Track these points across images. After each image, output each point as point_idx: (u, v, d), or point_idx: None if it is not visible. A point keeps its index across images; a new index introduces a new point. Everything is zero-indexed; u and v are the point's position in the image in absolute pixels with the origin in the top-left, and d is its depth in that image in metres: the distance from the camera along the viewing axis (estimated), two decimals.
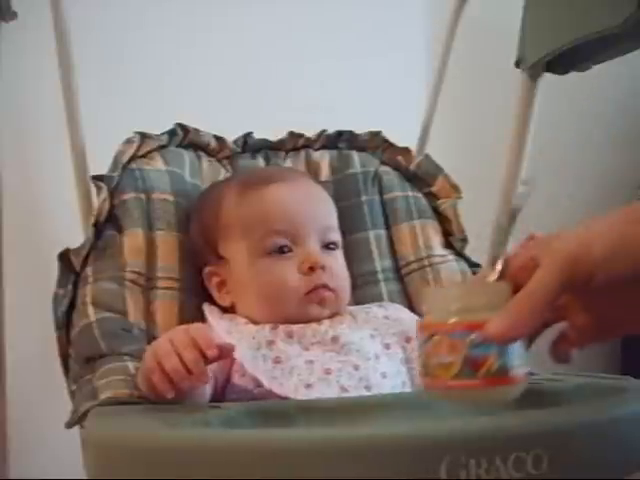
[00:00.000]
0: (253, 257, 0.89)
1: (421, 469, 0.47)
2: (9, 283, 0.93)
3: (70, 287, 0.89)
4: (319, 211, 0.94)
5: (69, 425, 0.72)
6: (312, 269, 0.87)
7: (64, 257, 0.90)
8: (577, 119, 1.58)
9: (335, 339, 0.86)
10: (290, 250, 0.89)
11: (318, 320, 0.88)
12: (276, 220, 0.89)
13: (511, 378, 0.54)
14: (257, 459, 0.47)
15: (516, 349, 0.55)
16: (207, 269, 0.92)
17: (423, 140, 1.21)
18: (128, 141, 0.98)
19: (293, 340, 0.85)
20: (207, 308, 0.92)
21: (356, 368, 0.82)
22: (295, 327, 0.86)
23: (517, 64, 1.06)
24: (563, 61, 1.02)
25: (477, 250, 1.05)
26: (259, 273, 0.89)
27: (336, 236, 0.94)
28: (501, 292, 0.56)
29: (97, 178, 0.94)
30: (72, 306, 0.89)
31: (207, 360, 0.68)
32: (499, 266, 0.59)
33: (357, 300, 1.00)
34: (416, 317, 0.90)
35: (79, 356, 0.85)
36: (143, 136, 0.99)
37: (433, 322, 0.57)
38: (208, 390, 0.77)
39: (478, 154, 1.41)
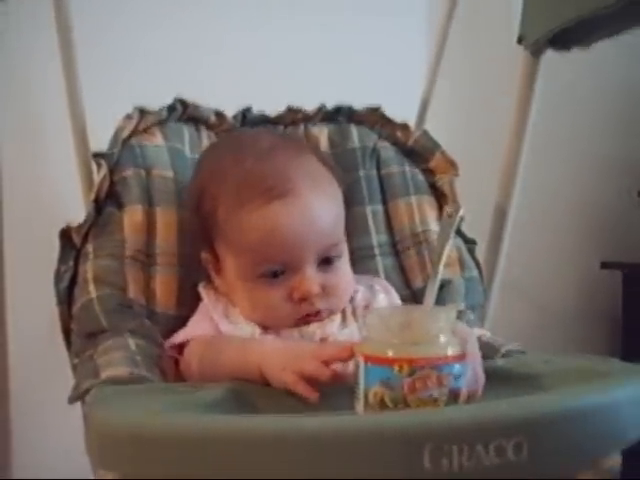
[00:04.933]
0: (243, 277, 0.85)
1: (404, 457, 0.49)
2: (11, 262, 0.95)
3: (71, 263, 0.91)
4: (321, 232, 0.84)
5: (71, 401, 0.74)
6: (305, 298, 0.84)
7: (65, 234, 0.91)
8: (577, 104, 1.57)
9: (323, 340, 0.85)
10: (283, 273, 0.84)
11: None
12: (270, 249, 0.83)
13: None
14: (247, 448, 0.50)
15: None
16: (203, 254, 0.92)
17: (422, 116, 1.21)
18: (127, 117, 0.98)
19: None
20: (203, 290, 0.92)
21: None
22: (284, 332, 0.86)
23: (519, 41, 1.05)
24: (565, 38, 1.01)
25: (474, 227, 1.06)
26: (249, 293, 0.86)
27: (338, 250, 0.88)
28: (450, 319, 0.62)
29: (97, 155, 0.95)
30: (73, 282, 0.91)
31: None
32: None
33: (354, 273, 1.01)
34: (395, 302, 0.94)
35: (81, 331, 0.87)
36: (142, 112, 1.00)
37: (415, 356, 0.57)
38: None
39: (478, 132, 1.41)
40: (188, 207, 0.94)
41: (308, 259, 0.84)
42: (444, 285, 1.00)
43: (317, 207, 0.84)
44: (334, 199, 0.89)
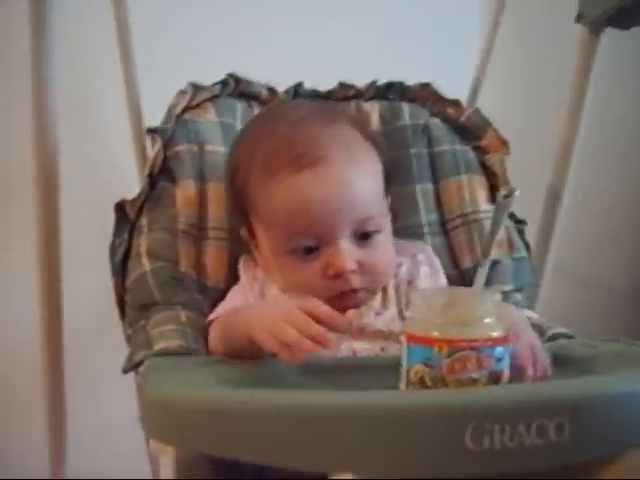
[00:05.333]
0: (275, 252, 0.84)
1: (447, 436, 0.50)
2: (67, 238, 0.98)
3: (126, 236, 0.93)
4: (355, 203, 0.81)
5: (125, 371, 0.76)
6: (339, 275, 0.80)
7: (120, 208, 0.93)
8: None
9: (360, 330, 0.83)
10: (317, 248, 0.81)
11: None
12: (301, 221, 0.80)
13: None
14: (299, 422, 0.51)
15: None
16: (242, 230, 0.92)
17: (474, 93, 1.20)
18: (181, 92, 1.00)
19: None
20: (242, 267, 0.92)
21: (383, 350, 0.82)
22: None
23: (578, 19, 1.03)
24: (625, 16, 0.99)
25: (524, 208, 1.05)
26: (282, 269, 0.83)
27: (376, 224, 0.83)
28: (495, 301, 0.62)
29: (151, 130, 0.96)
30: (127, 255, 0.93)
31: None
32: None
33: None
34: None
35: (134, 303, 0.90)
36: (196, 87, 1.01)
37: (456, 337, 0.58)
38: None
39: (532, 110, 1.39)
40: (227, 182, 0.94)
41: (342, 232, 0.80)
42: (492, 265, 0.99)
43: (351, 177, 0.81)
44: (371, 171, 0.85)
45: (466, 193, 1.04)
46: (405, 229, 1.03)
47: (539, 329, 0.86)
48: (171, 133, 0.97)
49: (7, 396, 1.29)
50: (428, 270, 0.91)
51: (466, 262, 1.02)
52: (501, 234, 1.02)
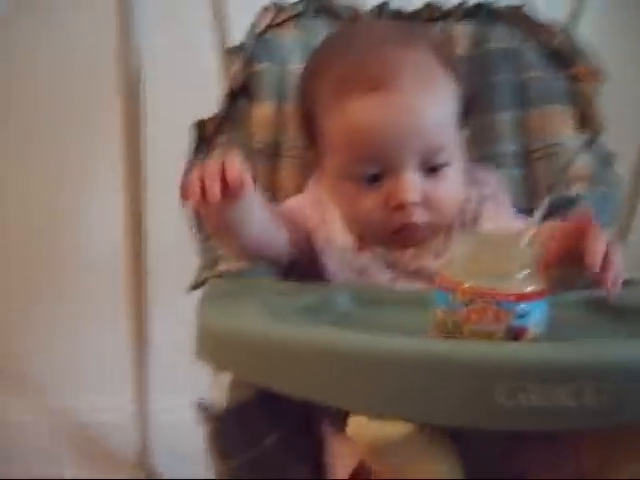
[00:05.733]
0: (339, 178, 0.81)
1: (478, 389, 0.50)
2: (149, 156, 1.01)
3: (202, 155, 0.95)
4: (423, 131, 0.77)
5: (190, 288, 0.79)
6: (401, 206, 0.77)
7: (198, 126, 0.95)
8: None
9: (418, 271, 0.81)
10: (381, 177, 0.78)
11: None
12: (365, 146, 0.77)
13: None
14: (332, 363, 0.53)
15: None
16: (310, 152, 0.90)
17: (574, 19, 1.12)
18: (264, 10, 0.99)
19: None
20: (310, 187, 0.90)
21: None
22: (377, 253, 0.83)
23: None
24: None
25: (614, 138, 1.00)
26: (344, 197, 0.81)
27: (446, 156, 0.80)
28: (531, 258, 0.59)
29: (232, 49, 0.97)
30: None
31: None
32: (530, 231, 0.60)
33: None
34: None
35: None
36: (278, 6, 1.00)
37: (477, 288, 0.56)
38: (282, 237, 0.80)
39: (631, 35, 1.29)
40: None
41: (408, 162, 0.77)
42: (572, 202, 0.96)
43: (422, 104, 0.77)
44: (445, 100, 0.81)
45: (552, 124, 1.00)
46: (483, 159, 1.00)
47: None
48: (252, 51, 0.97)
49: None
50: (492, 206, 0.86)
51: (544, 196, 0.98)
52: (585, 167, 0.98)
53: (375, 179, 0.78)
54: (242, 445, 0.65)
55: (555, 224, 0.67)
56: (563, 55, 1.02)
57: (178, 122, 0.95)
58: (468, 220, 0.84)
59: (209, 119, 0.95)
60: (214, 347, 0.59)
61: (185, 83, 1.24)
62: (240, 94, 0.97)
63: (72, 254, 1.40)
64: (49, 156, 1.37)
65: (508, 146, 1.01)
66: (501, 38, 1.03)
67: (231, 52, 0.97)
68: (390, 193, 0.77)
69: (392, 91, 0.76)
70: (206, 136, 0.95)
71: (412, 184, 0.77)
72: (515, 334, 0.56)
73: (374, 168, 0.77)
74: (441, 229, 0.82)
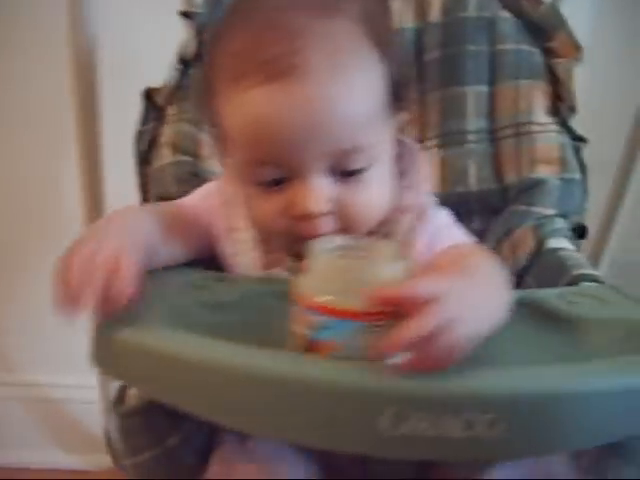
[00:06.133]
0: (242, 180, 0.69)
1: (362, 416, 0.48)
2: (105, 125, 0.98)
3: (152, 125, 0.92)
4: (333, 129, 0.62)
5: None
6: (304, 217, 0.64)
7: (147, 95, 0.92)
8: None
9: None
10: (284, 180, 0.65)
11: None
12: (263, 147, 0.63)
13: None
14: (218, 377, 0.51)
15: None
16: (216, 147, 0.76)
17: None
18: None
19: None
20: (219, 184, 0.77)
21: None
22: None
23: None
24: None
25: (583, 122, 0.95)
26: (247, 200, 0.70)
27: (366, 157, 0.65)
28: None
29: (184, 14, 0.92)
30: (153, 143, 0.93)
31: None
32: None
33: (442, 161, 0.96)
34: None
35: (153, 195, 0.90)
36: None
37: (302, 293, 0.54)
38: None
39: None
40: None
41: (314, 165, 0.63)
42: (537, 185, 0.92)
43: (332, 95, 0.61)
44: (367, 87, 0.64)
45: (523, 100, 0.95)
46: (446, 135, 0.96)
47: (561, 266, 0.80)
48: (205, 17, 0.92)
49: None
50: (413, 202, 0.72)
51: (510, 177, 0.94)
52: (554, 151, 0.93)
53: (277, 182, 0.65)
54: (146, 443, 0.64)
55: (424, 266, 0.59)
56: (542, 27, 0.95)
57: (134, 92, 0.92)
58: (402, 232, 0.71)
59: (160, 88, 0.92)
60: (105, 353, 0.57)
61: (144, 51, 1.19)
62: (194, 62, 0.93)
63: (38, 232, 1.38)
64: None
65: (476, 122, 0.96)
66: (477, 5, 0.97)
67: (184, 17, 0.92)
68: (293, 200, 0.64)
69: (295, 78, 0.60)
70: (157, 105, 0.92)
71: (317, 192, 0.64)
72: (309, 346, 0.54)
73: (276, 171, 0.64)
74: (367, 228, 0.70)
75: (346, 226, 0.66)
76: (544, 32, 0.95)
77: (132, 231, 0.62)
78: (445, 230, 0.71)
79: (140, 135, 0.92)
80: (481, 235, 0.94)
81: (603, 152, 1.08)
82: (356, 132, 0.63)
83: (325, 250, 0.57)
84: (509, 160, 0.94)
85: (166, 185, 0.89)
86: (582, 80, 0.96)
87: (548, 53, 0.95)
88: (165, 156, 0.90)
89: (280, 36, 0.62)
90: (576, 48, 0.94)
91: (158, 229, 0.67)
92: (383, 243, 0.60)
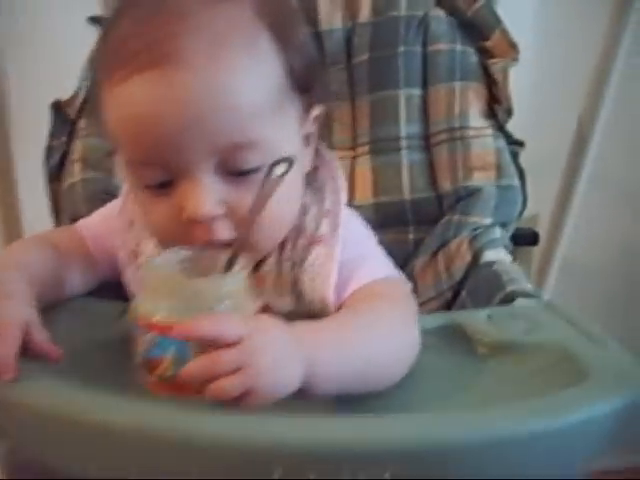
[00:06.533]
0: (132, 185, 0.62)
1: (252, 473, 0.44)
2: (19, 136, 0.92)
3: (64, 139, 0.86)
4: (215, 122, 0.54)
5: None
6: (194, 221, 0.56)
7: (57, 107, 0.86)
8: None
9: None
10: (175, 181, 0.57)
11: None
12: (139, 146, 0.56)
13: (183, 387, 0.47)
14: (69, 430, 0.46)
15: None
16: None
17: None
18: None
19: None
20: (122, 202, 0.70)
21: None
22: None
23: None
24: None
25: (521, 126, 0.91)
26: (140, 205, 0.63)
27: (260, 155, 0.56)
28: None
29: (94, 18, 0.86)
30: (64, 159, 0.87)
31: None
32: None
33: (373, 168, 0.91)
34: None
35: (65, 215, 0.85)
36: None
37: (137, 312, 0.51)
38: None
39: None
40: None
41: (200, 163, 0.55)
42: (473, 193, 0.88)
43: (213, 82, 0.54)
44: (256, 76, 0.56)
45: (456, 103, 0.90)
46: (379, 141, 0.92)
47: (496, 281, 0.76)
48: None
49: None
50: (328, 229, 0.64)
51: (445, 185, 0.90)
52: (490, 156, 0.89)
53: (165, 184, 0.57)
54: None
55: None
56: (477, 26, 0.91)
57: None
58: (300, 246, 0.64)
59: (68, 100, 0.86)
60: None
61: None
62: None
63: None
64: None
65: (409, 127, 0.91)
66: (409, 3, 0.92)
67: (93, 23, 0.86)
68: (181, 204, 0.57)
69: (173, 66, 0.53)
70: (67, 118, 0.86)
71: (204, 193, 0.56)
72: (148, 365, 0.50)
73: (160, 173, 0.57)
74: (263, 249, 0.62)
75: (246, 232, 0.56)
76: (479, 31, 0.91)
77: (18, 279, 0.57)
78: (357, 262, 0.63)
79: (50, 151, 0.86)
80: (417, 246, 0.90)
81: (549, 152, 1.06)
82: (246, 125, 0.55)
83: (160, 265, 0.54)
84: (444, 167, 0.90)
85: (76, 204, 0.83)
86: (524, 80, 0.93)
87: (483, 53, 0.91)
88: (76, 173, 0.84)
89: (160, 21, 0.55)
90: (512, 47, 0.89)
91: (50, 266, 0.63)
92: (224, 255, 0.55)
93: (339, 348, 0.51)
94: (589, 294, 1.33)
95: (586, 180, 1.07)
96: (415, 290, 0.87)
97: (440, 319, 0.67)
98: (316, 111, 0.65)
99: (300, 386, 0.48)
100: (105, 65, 0.57)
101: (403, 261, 0.90)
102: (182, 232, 0.57)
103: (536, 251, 1.26)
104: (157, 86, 0.53)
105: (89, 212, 0.78)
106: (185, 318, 0.48)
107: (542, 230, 1.23)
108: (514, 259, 1.31)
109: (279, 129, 0.58)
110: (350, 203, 0.90)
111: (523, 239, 1.04)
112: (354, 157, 0.93)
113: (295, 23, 0.63)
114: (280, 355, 0.47)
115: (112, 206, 0.72)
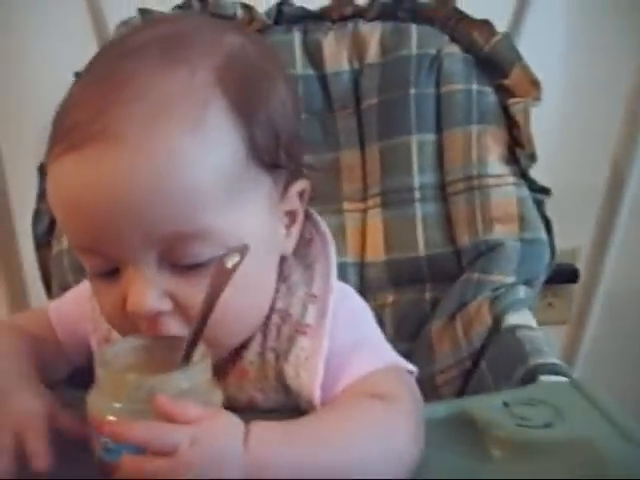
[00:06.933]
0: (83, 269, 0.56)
1: None
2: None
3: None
4: (153, 207, 0.47)
5: None
6: (136, 316, 0.50)
7: (43, 169, 0.81)
8: None
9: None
10: (119, 269, 0.51)
11: None
12: (79, 230, 0.51)
13: None
14: None
15: None
16: None
17: (517, 19, 0.92)
18: (123, 23, 0.83)
19: None
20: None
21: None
22: None
23: None
24: None
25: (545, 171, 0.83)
26: (92, 292, 0.57)
27: (211, 247, 0.49)
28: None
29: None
30: (54, 224, 0.82)
31: None
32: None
33: (385, 222, 0.84)
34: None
35: (55, 282, 0.80)
36: (144, 12, 0.84)
37: (92, 411, 0.47)
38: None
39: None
40: None
41: (140, 254, 0.49)
42: (493, 248, 0.80)
43: (145, 166, 0.47)
44: (200, 157, 0.48)
45: (474, 149, 0.83)
46: (391, 193, 0.84)
47: (518, 351, 0.68)
48: None
49: None
50: (314, 320, 0.56)
51: (464, 239, 0.82)
52: (511, 207, 0.81)
53: (111, 272, 0.52)
54: None
55: None
56: (495, 62, 0.83)
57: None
58: (284, 334, 0.56)
59: None
60: None
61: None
62: None
63: None
64: None
65: (423, 177, 0.84)
66: (420, 41, 0.85)
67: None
68: (124, 296, 0.51)
69: (104, 145, 0.47)
70: None
71: (144, 288, 0.49)
72: (102, 469, 0.46)
73: (102, 261, 0.51)
74: (233, 345, 0.56)
75: (198, 335, 0.48)
76: (497, 67, 0.83)
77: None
78: (350, 352, 0.55)
79: (38, 214, 0.82)
80: (434, 306, 0.83)
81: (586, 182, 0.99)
82: (190, 212, 0.48)
83: (111, 360, 0.49)
84: (462, 219, 0.82)
85: (64, 274, 0.78)
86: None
87: (502, 92, 0.83)
88: (64, 240, 0.79)
89: (102, 90, 0.49)
90: (534, 85, 0.81)
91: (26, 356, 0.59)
92: (183, 341, 0.48)
93: (301, 458, 0.46)
94: (633, 331, 1.24)
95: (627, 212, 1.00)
96: (432, 356, 0.80)
97: (449, 407, 0.59)
98: (299, 186, 0.58)
99: None
100: (50, 138, 0.51)
101: (419, 323, 0.82)
102: (130, 323, 0.51)
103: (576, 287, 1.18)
104: (88, 167, 0.47)
105: (76, 282, 0.74)
106: (140, 420, 0.45)
107: (582, 265, 1.16)
108: (550, 299, 1.23)
109: (236, 214, 0.51)
110: (361, 260, 0.85)
111: (562, 276, 0.96)
112: (364, 210, 0.86)
113: (267, 88, 0.55)
114: (213, 467, 0.44)
115: (86, 287, 0.65)
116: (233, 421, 0.46)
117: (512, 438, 0.54)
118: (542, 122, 0.83)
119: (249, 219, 0.52)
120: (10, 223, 0.90)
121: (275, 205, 0.55)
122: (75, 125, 0.48)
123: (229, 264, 0.47)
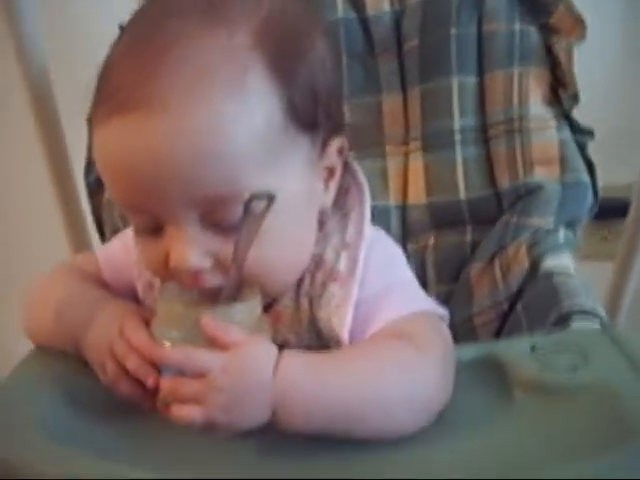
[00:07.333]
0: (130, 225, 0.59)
1: None
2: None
3: (101, 198, 0.85)
4: (198, 169, 0.49)
5: None
6: (178, 271, 0.53)
7: (89, 170, 0.85)
8: None
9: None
10: (163, 227, 0.53)
11: None
12: (124, 190, 0.52)
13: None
14: None
15: None
16: None
17: None
18: None
19: None
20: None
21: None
22: None
23: None
24: None
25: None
26: (136, 245, 0.59)
27: (231, 212, 0.51)
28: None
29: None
30: None
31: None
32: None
33: (426, 166, 0.84)
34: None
35: (107, 228, 0.84)
36: None
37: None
38: None
39: None
40: None
41: (183, 213, 0.51)
42: (533, 191, 0.80)
43: (188, 131, 0.48)
44: (241, 121, 0.50)
45: (515, 91, 0.81)
46: (431, 137, 0.84)
47: (553, 296, 0.69)
48: None
49: None
50: (346, 267, 0.58)
51: (503, 182, 0.82)
52: (552, 149, 0.80)
53: (154, 229, 0.53)
54: None
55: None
56: (538, 1, 0.81)
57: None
58: (318, 280, 0.59)
59: None
60: None
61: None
62: None
63: None
64: None
65: (462, 120, 0.83)
66: None
67: None
68: (167, 252, 0.53)
69: (150, 108, 0.48)
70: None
71: (188, 246, 0.51)
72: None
73: (147, 218, 0.53)
74: (278, 292, 0.58)
75: (233, 285, 0.52)
76: (541, 5, 0.81)
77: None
78: (380, 298, 0.57)
79: (89, 165, 0.85)
80: (474, 248, 0.83)
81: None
82: (231, 175, 0.50)
83: (171, 295, 0.54)
84: (502, 162, 0.82)
85: (114, 218, 0.82)
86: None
87: (546, 31, 0.81)
88: None
89: (145, 53, 0.50)
90: (578, 23, 0.79)
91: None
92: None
93: (327, 389, 0.49)
94: None
95: None
96: (470, 298, 0.81)
97: (477, 350, 0.61)
98: (338, 142, 0.59)
99: (271, 420, 0.49)
100: (94, 95, 0.53)
101: (459, 265, 0.83)
102: (172, 276, 0.54)
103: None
104: (132, 132, 0.49)
105: (126, 226, 0.77)
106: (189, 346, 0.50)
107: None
108: (605, 233, 1.19)
109: (276, 175, 0.52)
110: (404, 203, 0.86)
111: (616, 211, 0.93)
112: (406, 153, 0.86)
113: (305, 48, 0.55)
114: (242, 393, 0.48)
115: (132, 234, 0.68)
116: (267, 350, 0.50)
117: (534, 381, 0.55)
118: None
119: (288, 179, 0.53)
120: (69, 173, 0.93)
121: (314, 162, 0.57)
122: (119, 88, 0.49)
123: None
